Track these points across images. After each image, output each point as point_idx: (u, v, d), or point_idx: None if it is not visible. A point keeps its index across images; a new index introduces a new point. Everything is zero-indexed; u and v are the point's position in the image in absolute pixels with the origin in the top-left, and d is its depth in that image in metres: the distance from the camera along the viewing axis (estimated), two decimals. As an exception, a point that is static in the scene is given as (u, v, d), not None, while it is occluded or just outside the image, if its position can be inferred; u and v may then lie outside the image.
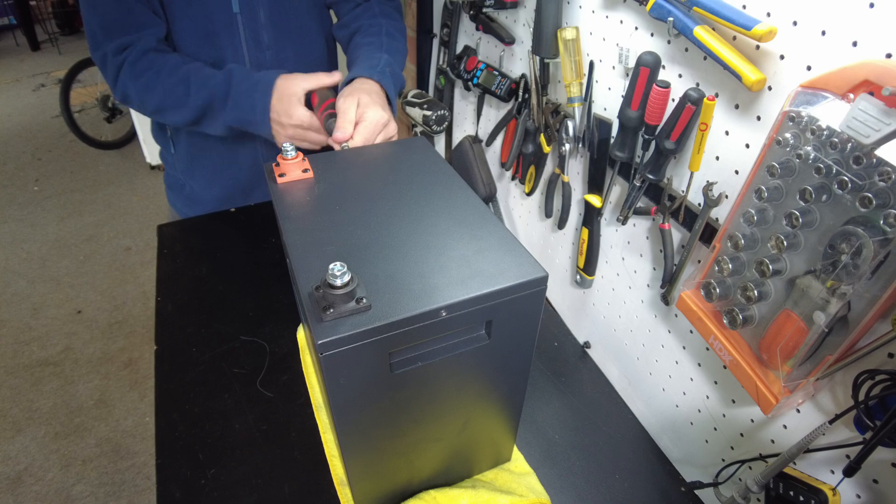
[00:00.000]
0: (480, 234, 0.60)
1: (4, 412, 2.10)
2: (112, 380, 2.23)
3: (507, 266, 0.55)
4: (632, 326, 0.94)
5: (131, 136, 3.89)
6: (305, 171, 0.70)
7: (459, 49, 1.27)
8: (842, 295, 0.51)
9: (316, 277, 0.52)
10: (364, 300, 0.50)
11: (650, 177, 0.77)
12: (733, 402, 0.75)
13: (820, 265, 0.53)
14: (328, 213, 0.63)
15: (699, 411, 0.82)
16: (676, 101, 0.69)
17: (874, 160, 0.47)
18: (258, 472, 0.75)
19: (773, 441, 0.70)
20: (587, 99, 0.87)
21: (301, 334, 0.95)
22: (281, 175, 0.69)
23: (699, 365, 0.80)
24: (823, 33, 0.54)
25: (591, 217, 0.94)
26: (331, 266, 0.48)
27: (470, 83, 1.17)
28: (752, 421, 0.73)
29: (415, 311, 0.50)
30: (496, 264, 0.55)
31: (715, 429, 0.79)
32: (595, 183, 0.91)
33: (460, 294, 0.52)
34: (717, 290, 0.65)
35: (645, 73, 0.72)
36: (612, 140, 0.85)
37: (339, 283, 0.48)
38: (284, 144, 0.69)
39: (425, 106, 1.25)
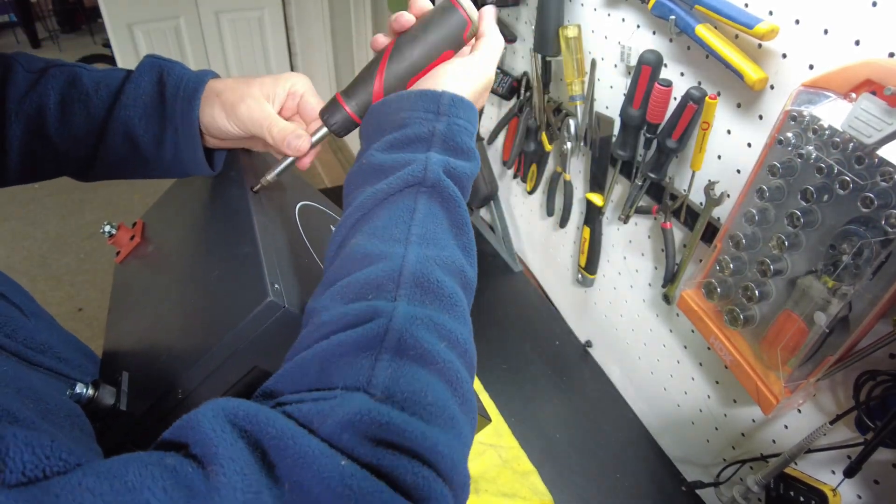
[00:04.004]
0: (221, 256, 0.51)
1: (6, 410, 2.11)
2: (114, 377, 2.23)
3: (235, 300, 0.45)
4: (633, 325, 0.94)
5: (132, 133, 3.89)
6: (132, 238, 0.65)
7: (460, 47, 1.27)
8: (843, 295, 0.50)
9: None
10: (118, 404, 0.44)
11: (652, 176, 0.76)
12: (734, 401, 0.75)
13: (821, 265, 0.53)
14: (138, 289, 0.58)
15: (700, 411, 0.82)
16: (678, 99, 0.69)
17: (876, 160, 0.47)
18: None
19: (774, 441, 0.70)
20: (589, 97, 0.87)
21: None
22: (117, 254, 0.65)
23: (700, 364, 0.80)
24: (826, 32, 0.54)
25: (592, 216, 0.94)
26: (67, 392, 0.43)
27: (471, 81, 1.16)
28: (754, 421, 0.73)
29: (153, 399, 0.44)
30: (224, 304, 0.46)
31: (716, 428, 0.79)
32: (597, 182, 0.90)
33: (191, 363, 0.43)
34: (718, 289, 0.65)
35: (647, 71, 0.71)
36: (613, 139, 0.85)
37: (84, 401, 0.43)
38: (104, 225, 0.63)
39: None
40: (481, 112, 1.26)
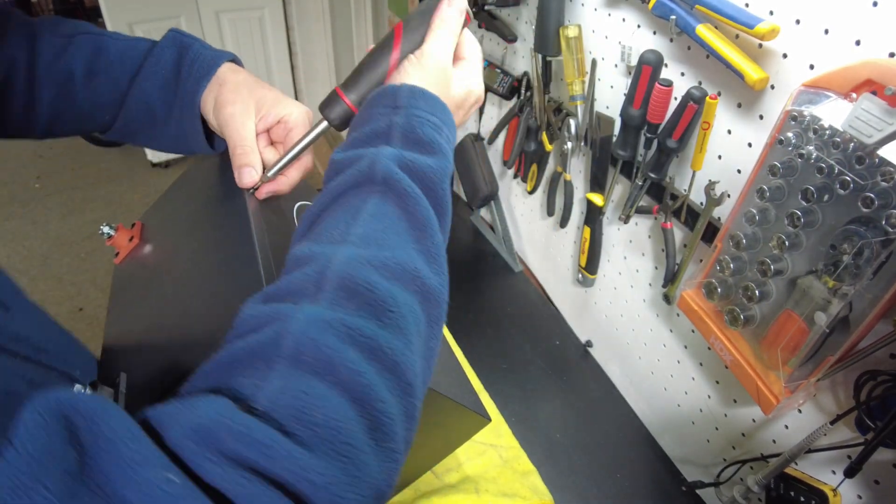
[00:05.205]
0: (219, 257, 0.52)
1: (7, 409, 2.11)
2: (114, 377, 2.23)
3: (232, 301, 0.45)
4: (633, 325, 0.94)
5: (133, 133, 3.88)
6: (131, 239, 0.65)
7: (461, 47, 1.27)
8: (843, 295, 0.50)
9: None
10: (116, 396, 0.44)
11: (652, 176, 0.76)
12: (735, 401, 0.75)
13: (821, 265, 0.53)
14: (137, 290, 0.59)
15: (701, 411, 0.82)
16: (679, 99, 0.69)
17: (876, 160, 0.47)
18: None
19: (774, 441, 0.70)
20: (589, 97, 0.87)
21: None
22: (115, 255, 0.65)
23: (701, 364, 0.80)
24: (826, 32, 0.54)
25: (593, 216, 0.94)
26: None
27: (471, 81, 1.16)
28: (754, 421, 0.73)
29: (152, 402, 0.43)
30: (221, 305, 0.46)
31: (716, 428, 0.79)
32: (597, 181, 0.90)
33: (190, 364, 0.43)
34: (719, 289, 0.65)
35: (647, 71, 0.71)
36: (614, 139, 0.85)
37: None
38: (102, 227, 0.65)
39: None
40: (481, 112, 1.26)
